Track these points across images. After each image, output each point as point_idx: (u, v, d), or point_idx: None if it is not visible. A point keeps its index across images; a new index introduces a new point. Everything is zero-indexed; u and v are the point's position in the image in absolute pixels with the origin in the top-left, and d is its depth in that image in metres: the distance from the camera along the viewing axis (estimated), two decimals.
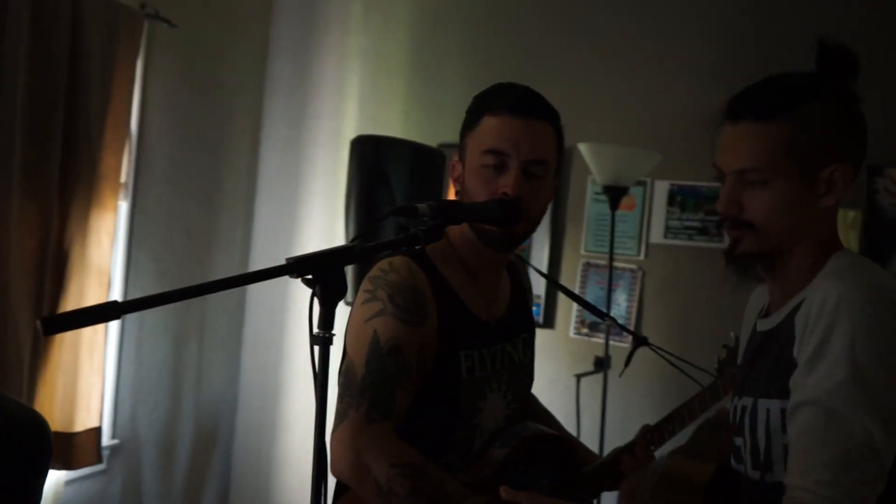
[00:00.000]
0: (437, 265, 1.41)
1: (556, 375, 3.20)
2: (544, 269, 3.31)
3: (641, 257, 3.18)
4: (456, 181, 1.47)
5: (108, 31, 2.91)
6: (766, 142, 1.19)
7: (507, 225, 1.34)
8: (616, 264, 3.06)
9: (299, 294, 3.70)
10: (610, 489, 1.61)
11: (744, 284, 1.31)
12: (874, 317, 1.08)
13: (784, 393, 1.15)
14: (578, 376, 2.72)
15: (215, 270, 3.77)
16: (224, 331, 3.88)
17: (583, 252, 3.30)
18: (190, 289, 1.03)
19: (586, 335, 3.25)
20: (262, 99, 4.00)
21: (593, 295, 3.24)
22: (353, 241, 1.21)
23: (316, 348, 1.09)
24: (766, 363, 1.24)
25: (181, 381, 3.64)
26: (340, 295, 1.09)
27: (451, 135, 3.44)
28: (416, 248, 1.21)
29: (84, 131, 2.84)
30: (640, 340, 1.84)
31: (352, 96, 3.83)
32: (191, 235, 3.64)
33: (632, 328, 3.13)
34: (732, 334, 1.72)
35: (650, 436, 1.59)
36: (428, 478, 1.28)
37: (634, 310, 3.16)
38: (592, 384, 3.03)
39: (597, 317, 1.86)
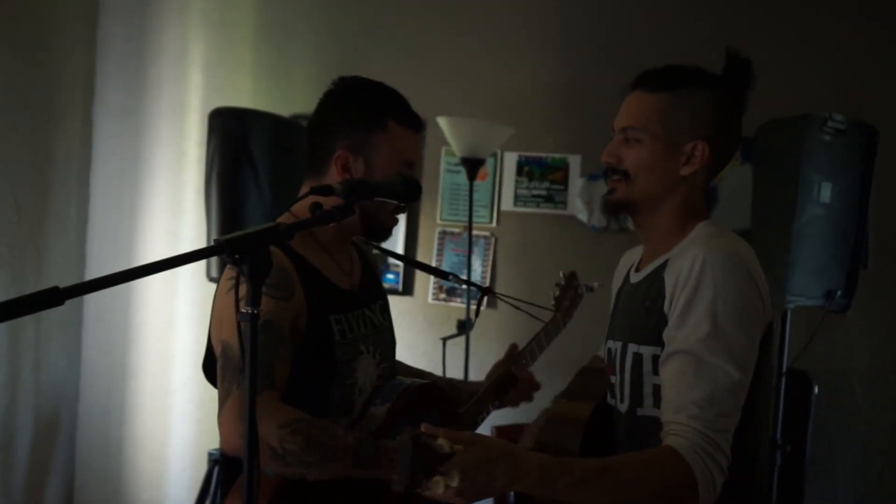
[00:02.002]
0: (294, 247, 1.50)
1: (416, 340, 3.34)
2: (402, 239, 3.42)
3: (494, 224, 3.37)
4: (344, 170, 1.54)
5: None
6: (646, 107, 1.43)
7: (410, 201, 1.50)
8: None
9: None
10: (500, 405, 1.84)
11: (610, 228, 1.54)
12: (731, 279, 1.30)
13: (656, 341, 1.36)
14: (444, 339, 2.86)
15: (51, 250, 3.53)
16: (62, 310, 3.62)
17: (438, 221, 3.43)
18: (130, 271, 1.03)
19: (444, 300, 3.40)
20: (94, 64, 3.74)
21: (449, 261, 3.40)
22: (274, 220, 1.25)
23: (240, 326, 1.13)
24: (635, 311, 1.45)
25: (18, 369, 3.39)
26: (266, 273, 1.13)
27: (304, 105, 3.46)
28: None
29: None
30: (484, 290, 2.13)
31: (195, 65, 3.69)
32: (21, 213, 3.38)
33: None
34: (561, 273, 2.08)
35: (521, 350, 1.88)
36: (316, 427, 1.38)
37: (489, 274, 3.35)
38: (452, 345, 3.19)
39: (441, 278, 2.02)
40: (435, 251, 3.43)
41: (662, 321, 1.35)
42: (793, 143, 2.23)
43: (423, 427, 1.11)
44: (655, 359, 1.37)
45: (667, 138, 1.40)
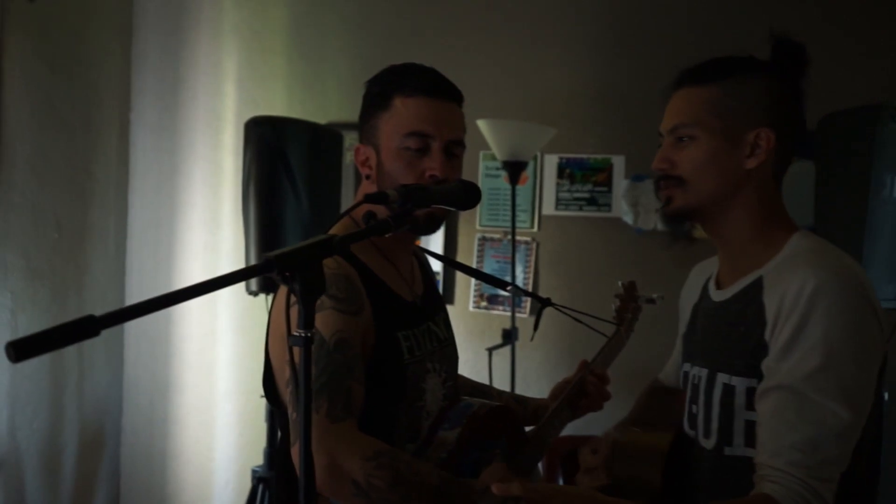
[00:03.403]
0: (355, 253, 1.38)
1: (458, 349, 3.25)
2: (440, 246, 3.34)
3: (535, 229, 3.28)
4: (364, 165, 1.45)
5: None
6: (696, 101, 1.30)
7: (470, 207, 1.34)
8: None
9: (184, 283, 3.53)
10: (571, 418, 1.67)
11: (676, 241, 1.41)
12: (847, 306, 1.14)
13: (752, 373, 1.21)
14: (490, 349, 2.78)
15: (91, 265, 3.53)
16: None
17: (478, 227, 3.35)
18: (168, 296, 0.95)
19: (485, 308, 3.32)
20: (130, 79, 3.74)
21: (490, 268, 3.31)
22: (326, 232, 1.16)
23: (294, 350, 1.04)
24: (726, 336, 1.29)
25: (62, 385, 3.39)
26: (320, 291, 1.04)
27: (338, 113, 3.41)
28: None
29: None
30: (544, 302, 1.91)
31: (229, 76, 3.66)
32: (61, 229, 3.38)
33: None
34: (619, 283, 1.89)
35: (592, 365, 1.69)
36: (401, 461, 1.27)
37: (531, 280, 3.25)
38: (496, 355, 3.10)
39: (499, 287, 1.89)
40: (475, 258, 3.35)
41: (761, 350, 1.20)
42: (861, 135, 2.08)
43: (496, 488, 1.02)
44: (750, 392, 1.21)
45: (724, 131, 1.26)
